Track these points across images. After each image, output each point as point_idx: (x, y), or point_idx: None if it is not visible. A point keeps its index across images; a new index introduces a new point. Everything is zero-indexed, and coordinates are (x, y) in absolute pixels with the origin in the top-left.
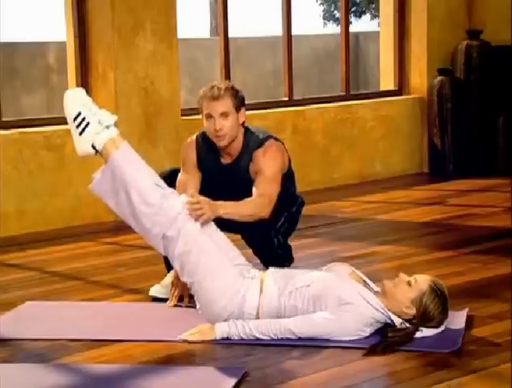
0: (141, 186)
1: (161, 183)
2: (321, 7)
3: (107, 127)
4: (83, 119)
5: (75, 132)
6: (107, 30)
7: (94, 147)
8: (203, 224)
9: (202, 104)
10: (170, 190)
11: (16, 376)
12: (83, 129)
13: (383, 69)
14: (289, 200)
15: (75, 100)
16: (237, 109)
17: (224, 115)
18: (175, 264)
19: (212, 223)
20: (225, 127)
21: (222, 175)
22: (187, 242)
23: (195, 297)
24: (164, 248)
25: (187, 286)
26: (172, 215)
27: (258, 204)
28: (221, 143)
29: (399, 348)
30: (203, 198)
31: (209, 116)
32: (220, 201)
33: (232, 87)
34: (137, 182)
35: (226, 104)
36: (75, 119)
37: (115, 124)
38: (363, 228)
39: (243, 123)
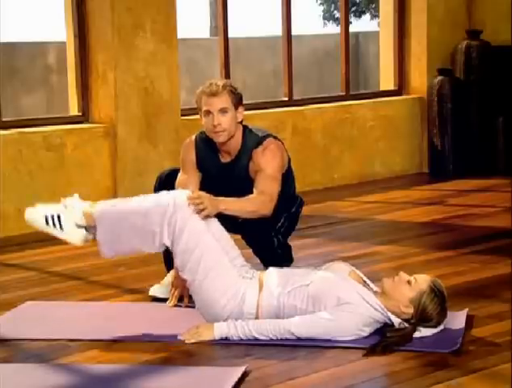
0: (133, 204)
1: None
2: (321, 7)
3: (73, 207)
4: (52, 216)
5: (59, 232)
6: (107, 30)
7: (80, 227)
8: (205, 219)
9: (200, 101)
10: (164, 192)
11: (16, 376)
12: (60, 224)
13: (383, 69)
14: (289, 200)
15: (35, 212)
16: (236, 106)
17: (223, 110)
18: (177, 261)
19: (216, 220)
20: (224, 122)
21: (222, 174)
22: (191, 239)
23: (194, 297)
24: (170, 245)
25: (187, 285)
26: (176, 201)
27: (259, 201)
28: (220, 139)
29: (399, 348)
30: (203, 193)
31: (208, 113)
32: (221, 197)
33: (231, 84)
34: (130, 205)
35: (225, 100)
36: (47, 223)
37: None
38: (362, 228)
39: (241, 121)
